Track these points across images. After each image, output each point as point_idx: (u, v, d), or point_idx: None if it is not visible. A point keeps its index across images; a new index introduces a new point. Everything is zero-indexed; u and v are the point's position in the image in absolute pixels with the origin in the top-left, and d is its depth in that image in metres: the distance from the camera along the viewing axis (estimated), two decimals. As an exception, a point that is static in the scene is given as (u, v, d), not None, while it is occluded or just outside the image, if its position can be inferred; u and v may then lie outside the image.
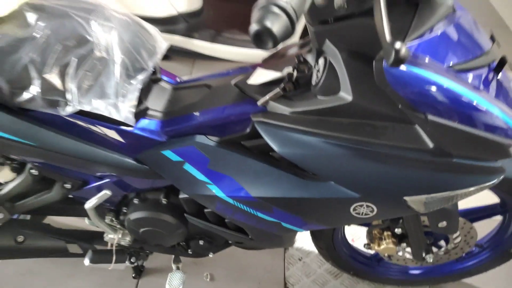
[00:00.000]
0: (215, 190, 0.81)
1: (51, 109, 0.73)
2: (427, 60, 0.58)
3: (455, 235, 1.10)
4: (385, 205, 0.74)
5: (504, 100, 0.67)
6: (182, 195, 0.90)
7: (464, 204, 1.05)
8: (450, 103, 0.58)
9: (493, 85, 0.67)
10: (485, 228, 1.17)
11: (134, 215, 0.96)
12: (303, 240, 1.46)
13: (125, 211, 1.01)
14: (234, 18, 1.90)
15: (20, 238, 1.04)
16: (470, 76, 0.63)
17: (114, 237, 1.03)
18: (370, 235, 1.09)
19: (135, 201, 0.97)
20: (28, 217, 1.14)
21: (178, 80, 0.94)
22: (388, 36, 0.45)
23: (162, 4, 1.63)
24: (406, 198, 0.71)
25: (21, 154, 0.82)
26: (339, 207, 0.75)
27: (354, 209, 0.75)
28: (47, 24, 0.71)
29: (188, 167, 0.82)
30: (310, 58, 0.73)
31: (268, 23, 0.38)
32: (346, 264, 1.27)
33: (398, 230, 1.05)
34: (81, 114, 0.76)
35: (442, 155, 0.64)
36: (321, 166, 0.70)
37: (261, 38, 0.39)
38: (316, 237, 1.17)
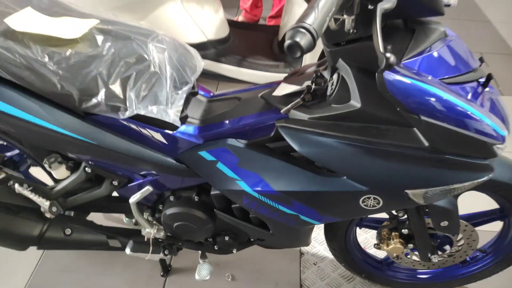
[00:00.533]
0: (243, 186, 0.95)
1: (112, 114, 0.89)
2: (418, 73, 0.72)
3: (458, 238, 1.19)
4: (389, 197, 0.86)
5: (491, 110, 0.80)
6: (213, 192, 1.04)
7: (466, 210, 1.16)
8: (436, 105, 0.71)
9: (481, 96, 0.80)
10: (489, 234, 1.26)
11: (170, 211, 1.10)
12: (318, 246, 1.57)
13: (160, 208, 1.15)
14: (257, 45, 2.10)
15: (68, 231, 1.19)
16: (459, 88, 0.76)
17: (150, 231, 1.17)
18: (379, 236, 1.20)
19: (171, 198, 1.11)
20: (72, 214, 1.29)
21: (212, 94, 1.10)
22: (381, 48, 0.60)
23: (194, 32, 1.84)
24: (407, 191, 0.83)
25: (82, 152, 0.97)
26: (350, 199, 0.88)
27: (363, 201, 0.87)
28: (112, 44, 0.88)
29: (220, 165, 0.96)
30: (325, 74, 0.88)
31: (298, 39, 0.53)
32: (358, 266, 1.36)
33: (405, 231, 1.16)
34: (134, 118, 0.92)
35: (436, 152, 0.76)
36: (335, 163, 0.83)
37: (293, 49, 0.54)
38: (330, 239, 1.28)
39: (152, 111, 0.87)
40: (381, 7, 0.60)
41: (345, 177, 0.85)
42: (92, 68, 0.86)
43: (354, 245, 1.32)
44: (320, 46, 0.84)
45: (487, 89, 0.82)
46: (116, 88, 0.86)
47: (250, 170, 0.94)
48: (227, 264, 1.50)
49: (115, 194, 1.17)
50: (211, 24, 1.95)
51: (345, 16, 0.63)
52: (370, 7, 0.63)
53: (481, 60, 0.85)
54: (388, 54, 0.58)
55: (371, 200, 0.86)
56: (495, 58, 2.56)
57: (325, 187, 0.87)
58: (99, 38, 0.89)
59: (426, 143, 0.76)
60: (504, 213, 1.17)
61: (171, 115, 0.89)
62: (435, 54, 0.76)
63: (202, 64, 1.03)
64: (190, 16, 1.84)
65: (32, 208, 1.15)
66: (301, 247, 1.56)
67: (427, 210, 1.07)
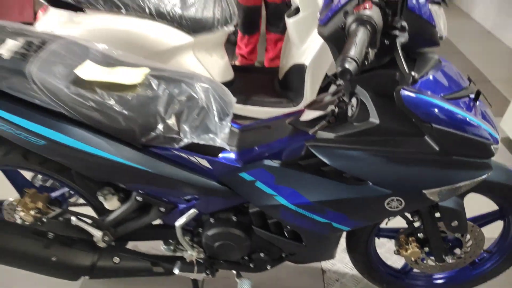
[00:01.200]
0: (281, 200, 1.09)
1: (168, 144, 1.04)
2: (424, 91, 0.91)
3: (467, 239, 1.34)
4: (410, 198, 1.01)
5: (483, 119, 0.98)
6: (252, 209, 1.18)
7: (470, 213, 1.31)
8: (442, 115, 0.89)
9: (474, 109, 0.98)
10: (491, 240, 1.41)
11: (210, 232, 1.22)
12: (338, 264, 1.68)
13: (200, 231, 1.27)
14: (260, 85, 2.32)
15: (116, 260, 1.28)
16: (456, 102, 0.95)
17: (192, 254, 1.28)
18: (398, 242, 1.34)
19: (211, 220, 1.23)
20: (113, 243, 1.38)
21: (242, 125, 1.26)
22: (406, 69, 0.78)
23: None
24: (424, 191, 0.99)
25: (138, 180, 1.10)
26: (376, 203, 1.02)
27: (388, 203, 1.02)
28: (166, 87, 1.05)
29: (259, 184, 1.10)
30: (345, 99, 1.06)
31: (347, 66, 0.70)
32: (379, 277, 1.48)
33: (420, 235, 1.30)
34: (184, 148, 1.07)
35: (445, 154, 0.93)
36: (362, 171, 0.99)
37: (344, 74, 0.71)
38: (352, 250, 1.41)
39: (204, 139, 1.03)
40: (399, 41, 0.79)
41: (370, 183, 1.01)
42: (151, 107, 1.02)
43: (375, 257, 1.45)
44: (318, 83, 1.01)
45: (477, 102, 1.01)
46: (172, 122, 1.02)
47: (286, 186, 1.09)
48: (256, 283, 1.59)
49: (156, 222, 1.29)
50: (218, 69, 2.16)
51: (369, 49, 0.81)
52: (386, 42, 0.82)
53: (469, 79, 1.05)
54: (413, 73, 0.76)
55: (395, 201, 1.01)
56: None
57: (354, 194, 1.02)
58: (154, 83, 1.05)
59: (437, 148, 0.93)
60: (503, 213, 1.33)
61: (220, 141, 1.05)
62: (433, 76, 0.95)
63: (234, 100, 1.20)
64: (201, 63, 2.05)
65: (84, 239, 1.26)
66: (322, 267, 1.68)
67: (438, 215, 1.22)
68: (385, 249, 1.75)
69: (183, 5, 1.87)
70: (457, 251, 1.36)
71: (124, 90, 1.03)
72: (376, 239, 1.43)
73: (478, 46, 3.60)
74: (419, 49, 0.94)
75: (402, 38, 0.80)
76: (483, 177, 0.98)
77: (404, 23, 0.80)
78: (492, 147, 0.95)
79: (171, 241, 1.40)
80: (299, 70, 2.09)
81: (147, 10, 1.79)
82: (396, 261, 1.61)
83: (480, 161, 0.97)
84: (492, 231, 1.39)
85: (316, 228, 1.12)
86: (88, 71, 1.05)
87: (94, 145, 1.03)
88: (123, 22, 1.78)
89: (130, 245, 1.45)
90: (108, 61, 1.13)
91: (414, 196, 1.01)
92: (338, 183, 1.04)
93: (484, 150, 0.94)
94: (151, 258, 1.33)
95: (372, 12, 0.76)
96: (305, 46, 2.06)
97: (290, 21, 2.08)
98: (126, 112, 1.01)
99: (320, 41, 2.00)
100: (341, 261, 1.70)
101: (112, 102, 1.01)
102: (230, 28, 2.03)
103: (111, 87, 1.02)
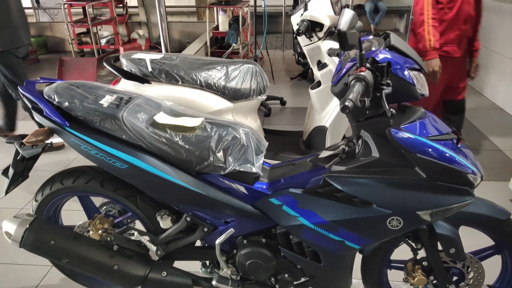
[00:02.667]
0: (302, 221, 1.36)
1: (216, 172, 1.36)
2: (413, 133, 1.21)
3: (469, 270, 1.51)
4: (407, 218, 1.25)
5: (464, 156, 1.26)
6: (279, 231, 1.44)
7: (468, 248, 1.51)
8: (426, 147, 1.17)
9: (455, 148, 1.26)
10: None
11: (243, 251, 1.48)
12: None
13: (234, 252, 1.52)
14: (286, 144, 2.67)
15: (164, 274, 1.54)
16: (439, 143, 1.24)
17: (227, 271, 1.52)
18: (406, 270, 1.53)
19: (244, 241, 1.50)
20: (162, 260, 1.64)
21: (272, 164, 1.58)
22: (387, 107, 1.10)
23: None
24: (418, 212, 1.24)
25: (190, 200, 1.41)
26: (379, 221, 1.27)
27: (389, 222, 1.27)
28: (217, 130, 1.41)
29: (285, 207, 1.38)
30: (353, 141, 1.38)
31: (346, 103, 1.01)
32: (393, 308, 1.64)
33: (425, 263, 1.49)
34: (227, 176, 1.39)
35: (432, 180, 1.20)
36: (367, 195, 1.26)
37: (344, 109, 1.01)
38: (367, 280, 1.60)
39: (244, 167, 1.35)
40: (385, 92, 1.13)
41: (374, 205, 1.27)
42: (205, 143, 1.37)
43: (387, 286, 1.63)
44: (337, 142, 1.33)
45: (459, 145, 1.30)
46: (220, 155, 1.36)
47: (307, 209, 1.36)
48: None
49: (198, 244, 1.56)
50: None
51: (365, 98, 1.14)
52: (377, 94, 1.16)
53: (452, 129, 1.35)
54: (392, 109, 1.08)
55: (395, 221, 1.26)
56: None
57: (362, 214, 1.28)
58: (208, 126, 1.42)
59: (424, 175, 1.20)
60: (499, 248, 1.52)
61: (255, 169, 1.36)
62: (420, 123, 1.26)
63: (266, 143, 1.54)
64: (238, 125, 2.44)
65: (140, 253, 1.54)
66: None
67: (439, 247, 1.43)
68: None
69: (227, 78, 2.32)
70: (461, 283, 1.53)
71: (187, 131, 1.39)
72: (388, 271, 1.62)
73: (490, 120, 3.89)
74: (404, 101, 1.27)
75: (387, 90, 1.13)
76: (467, 202, 1.23)
77: (389, 81, 1.14)
78: (469, 176, 1.21)
79: (207, 264, 1.65)
80: (320, 131, 2.44)
81: (198, 82, 2.26)
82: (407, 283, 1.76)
83: (463, 188, 1.22)
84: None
85: (332, 247, 1.36)
86: (162, 117, 1.43)
87: (162, 170, 1.37)
88: (180, 91, 2.23)
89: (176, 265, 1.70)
90: (174, 112, 1.51)
91: (410, 216, 1.25)
92: (349, 206, 1.31)
93: (462, 178, 1.20)
94: (193, 276, 1.57)
95: (365, 73, 1.11)
96: (326, 111, 2.45)
97: (313, 92, 2.49)
98: (187, 147, 1.36)
99: (338, 108, 2.38)
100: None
101: (177, 139, 1.37)
102: (263, 97, 2.46)
103: (177, 129, 1.39)
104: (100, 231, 1.59)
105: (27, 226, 1.45)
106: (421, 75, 1.29)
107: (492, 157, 3.17)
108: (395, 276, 1.95)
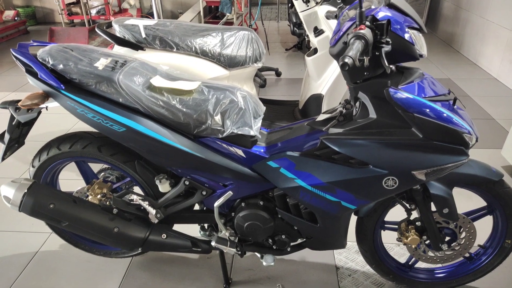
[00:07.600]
0: (300, 182, 1.38)
1: (214, 135, 1.37)
2: (411, 93, 1.22)
3: (460, 231, 1.56)
4: (402, 177, 1.28)
5: (459, 116, 1.27)
6: (276, 193, 1.46)
7: (461, 209, 1.55)
8: (423, 107, 1.18)
9: (452, 109, 1.27)
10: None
11: (242, 213, 1.50)
12: (350, 263, 1.89)
13: (232, 215, 1.55)
14: (282, 114, 2.67)
15: (164, 236, 1.57)
16: (436, 103, 1.24)
17: (226, 233, 1.55)
18: (399, 230, 1.57)
19: (242, 204, 1.52)
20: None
21: (269, 129, 1.59)
22: (386, 64, 1.10)
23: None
24: (413, 172, 1.26)
25: (189, 163, 1.41)
26: (376, 182, 1.29)
27: (385, 182, 1.29)
28: (214, 93, 1.40)
29: (282, 170, 1.40)
30: (351, 102, 1.38)
31: (346, 60, 1.00)
32: (385, 268, 1.69)
33: (418, 223, 1.53)
34: (225, 139, 1.40)
35: (428, 140, 1.21)
36: (364, 156, 1.27)
37: (344, 66, 1.00)
38: (360, 241, 1.64)
39: (242, 130, 1.35)
40: (384, 50, 1.12)
41: (371, 166, 1.29)
42: (203, 107, 1.36)
43: (381, 248, 1.67)
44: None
45: (455, 106, 1.31)
46: (218, 118, 1.35)
47: (304, 171, 1.38)
48: (277, 277, 1.82)
49: (196, 207, 1.58)
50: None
51: (364, 57, 1.14)
52: (376, 53, 1.15)
53: (449, 91, 1.35)
54: (391, 66, 1.08)
55: (390, 180, 1.28)
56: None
57: (359, 175, 1.30)
58: (205, 90, 1.41)
59: (420, 135, 1.22)
60: (491, 208, 1.56)
61: (253, 132, 1.37)
62: (418, 84, 1.26)
63: (263, 107, 1.53)
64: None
65: (141, 216, 1.56)
66: (336, 264, 1.89)
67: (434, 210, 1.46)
68: (393, 252, 1.95)
69: (222, 45, 2.29)
70: (453, 243, 1.58)
71: (184, 94, 1.38)
72: (382, 231, 1.66)
73: (484, 90, 3.90)
74: (402, 62, 1.26)
75: (386, 48, 1.12)
76: (461, 161, 1.25)
77: (388, 39, 1.13)
78: (465, 136, 1.23)
79: (206, 227, 1.68)
80: (317, 99, 2.44)
81: (193, 49, 2.22)
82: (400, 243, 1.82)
83: (458, 148, 1.24)
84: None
85: (328, 207, 1.39)
86: (158, 81, 1.42)
87: (160, 133, 1.37)
88: (175, 58, 2.20)
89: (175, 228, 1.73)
90: (171, 76, 1.50)
91: (406, 175, 1.27)
92: (346, 167, 1.33)
93: (458, 137, 1.22)
94: (191, 238, 1.60)
95: (365, 31, 1.10)
96: (322, 79, 2.44)
97: (309, 59, 2.47)
98: (184, 110, 1.36)
99: (334, 75, 2.37)
100: (353, 261, 1.91)
101: (175, 102, 1.36)
102: (259, 65, 2.43)
103: (174, 92, 1.38)
104: (99, 196, 1.60)
105: (26, 190, 1.46)
106: (420, 35, 1.28)
107: (485, 125, 3.20)
108: (388, 239, 2.02)
